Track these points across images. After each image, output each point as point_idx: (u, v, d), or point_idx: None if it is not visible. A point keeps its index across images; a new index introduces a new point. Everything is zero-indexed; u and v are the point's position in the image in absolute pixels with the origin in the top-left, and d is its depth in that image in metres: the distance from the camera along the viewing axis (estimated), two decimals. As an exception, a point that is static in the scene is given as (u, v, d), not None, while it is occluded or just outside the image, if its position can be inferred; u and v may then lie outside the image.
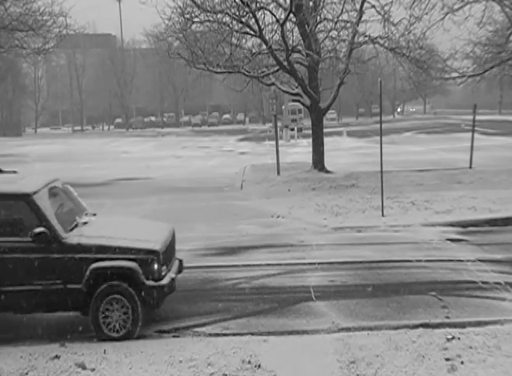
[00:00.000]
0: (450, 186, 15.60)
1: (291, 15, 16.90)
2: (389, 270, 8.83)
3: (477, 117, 19.46)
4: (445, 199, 13.62)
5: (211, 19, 16.86)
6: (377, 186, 13.50)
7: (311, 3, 18.06)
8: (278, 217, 12.94)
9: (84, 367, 5.74)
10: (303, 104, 19.29)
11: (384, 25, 17.44)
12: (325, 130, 20.14)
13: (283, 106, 42.89)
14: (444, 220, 11.84)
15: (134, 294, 6.48)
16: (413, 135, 41.16)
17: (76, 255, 6.46)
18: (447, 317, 6.88)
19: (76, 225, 6.92)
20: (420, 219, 11.94)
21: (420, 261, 9.17)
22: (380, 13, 17.37)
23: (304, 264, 9.29)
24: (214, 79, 30.17)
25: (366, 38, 17.95)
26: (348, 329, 6.59)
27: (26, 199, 6.57)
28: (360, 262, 9.30)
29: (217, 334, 6.63)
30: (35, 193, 6.67)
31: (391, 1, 17.26)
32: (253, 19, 16.23)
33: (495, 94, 66.27)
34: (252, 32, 16.77)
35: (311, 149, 19.56)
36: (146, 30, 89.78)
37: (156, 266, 6.57)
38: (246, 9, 15.92)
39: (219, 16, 16.58)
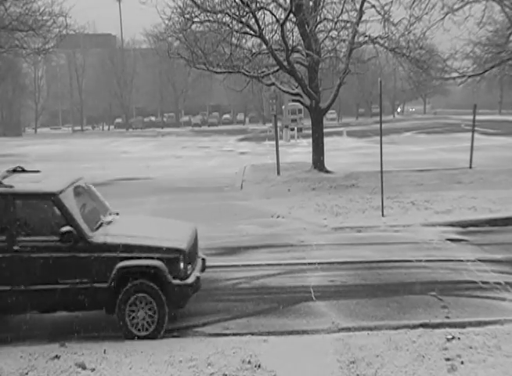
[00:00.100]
0: (450, 186, 15.60)
1: (291, 15, 16.90)
2: (389, 270, 8.83)
3: (477, 117, 19.45)
4: (445, 199, 13.62)
5: (211, 19, 16.86)
6: (377, 186, 13.50)
7: (311, 3, 18.06)
8: (278, 217, 12.94)
9: (84, 367, 5.75)
10: (303, 104, 19.28)
11: (384, 25, 17.45)
12: (325, 130, 20.14)
13: (283, 106, 42.88)
14: (444, 220, 11.85)
15: (160, 292, 6.49)
16: (413, 135, 41.14)
17: (102, 254, 6.49)
18: (447, 317, 6.88)
19: (101, 225, 6.94)
20: (420, 219, 11.94)
21: (420, 261, 9.17)
22: (380, 13, 17.38)
23: (304, 264, 9.29)
24: (214, 79, 30.20)
25: (366, 38, 17.95)
26: (348, 329, 6.60)
27: (52, 198, 6.59)
28: (360, 262, 9.30)
29: (217, 334, 6.64)
30: (61, 192, 6.68)
31: (391, 1, 17.27)
32: (253, 19, 16.23)
33: (495, 94, 66.25)
34: (252, 32, 16.77)
35: (311, 149, 19.56)
36: (146, 30, 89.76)
37: (182, 265, 6.60)
38: (246, 9, 15.92)
39: (219, 16, 16.58)
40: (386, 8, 17.26)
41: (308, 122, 28.27)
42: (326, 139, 20.15)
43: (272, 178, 18.12)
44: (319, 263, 9.26)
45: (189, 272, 6.74)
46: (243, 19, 16.24)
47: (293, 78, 18.49)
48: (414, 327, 6.50)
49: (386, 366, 5.50)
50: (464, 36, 20.13)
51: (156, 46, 46.70)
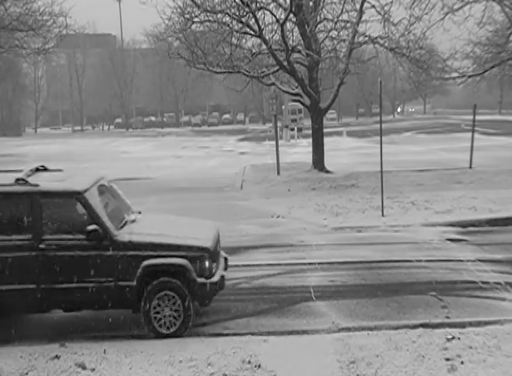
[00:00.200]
0: (450, 186, 15.60)
1: (291, 15, 16.91)
2: (389, 270, 8.83)
3: (477, 117, 19.46)
4: (445, 199, 13.62)
5: (211, 19, 16.86)
6: (377, 186, 13.50)
7: (311, 3, 18.06)
8: (278, 217, 12.94)
9: (84, 367, 5.75)
10: (303, 104, 19.29)
11: (384, 25, 17.46)
12: (325, 130, 20.14)
13: (283, 106, 42.88)
14: (444, 220, 11.85)
15: (185, 291, 6.50)
16: (413, 135, 41.14)
17: (128, 253, 6.50)
18: (447, 317, 6.89)
19: (125, 223, 6.96)
20: (420, 219, 11.94)
21: (420, 261, 9.18)
22: (380, 13, 17.38)
23: (304, 264, 9.29)
24: (214, 79, 30.17)
25: (366, 38, 17.96)
26: (348, 329, 6.60)
27: (78, 196, 6.61)
28: (360, 262, 9.30)
29: (217, 334, 6.63)
30: (86, 190, 6.69)
31: (391, 1, 17.27)
32: (253, 19, 16.23)
33: (495, 94, 66.25)
34: (252, 32, 16.77)
35: (311, 149, 19.56)
36: (146, 30, 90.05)
37: (207, 263, 6.61)
38: (246, 9, 15.92)
39: (219, 16, 16.58)
40: (386, 8, 17.29)
41: (308, 122, 28.28)
42: (326, 139, 20.15)
43: (272, 178, 18.12)
44: (319, 263, 9.26)
45: (213, 270, 6.76)
46: (243, 19, 16.24)
47: (293, 78, 18.49)
48: (414, 327, 6.50)
49: (386, 366, 5.50)
50: (464, 36, 20.15)
51: (156, 46, 46.72)
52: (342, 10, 17.84)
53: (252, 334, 6.56)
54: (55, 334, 6.76)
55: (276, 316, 7.19)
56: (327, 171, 18.82)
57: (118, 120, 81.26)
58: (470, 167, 18.60)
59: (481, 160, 19.84)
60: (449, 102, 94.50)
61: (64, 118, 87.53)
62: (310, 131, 20.27)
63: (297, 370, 5.57)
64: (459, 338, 6.03)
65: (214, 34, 17.49)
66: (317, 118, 18.96)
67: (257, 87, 25.86)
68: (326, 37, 18.75)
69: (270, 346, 6.11)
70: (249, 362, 5.69)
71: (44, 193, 6.61)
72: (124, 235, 6.62)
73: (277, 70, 18.45)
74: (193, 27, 17.48)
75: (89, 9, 60.89)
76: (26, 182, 6.66)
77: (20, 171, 7.11)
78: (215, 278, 6.74)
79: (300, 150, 29.99)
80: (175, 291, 6.51)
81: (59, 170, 7.77)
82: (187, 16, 16.84)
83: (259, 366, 5.62)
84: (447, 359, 5.56)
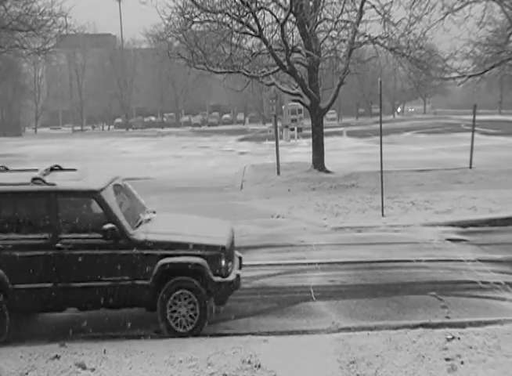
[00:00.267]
0: (450, 186, 15.60)
1: (291, 15, 16.90)
2: (389, 270, 8.84)
3: (477, 117, 19.46)
4: (445, 199, 13.62)
5: (211, 19, 16.86)
6: (377, 186, 13.50)
7: (311, 3, 18.06)
8: (278, 217, 12.94)
9: (84, 367, 5.75)
10: (303, 104, 19.28)
11: (384, 25, 17.47)
12: (325, 130, 20.14)
13: (283, 106, 42.88)
14: (444, 220, 11.85)
15: (201, 289, 6.51)
16: (413, 135, 41.15)
17: (144, 251, 6.51)
18: (447, 317, 6.89)
19: (141, 222, 6.97)
20: (420, 219, 11.94)
21: (420, 261, 9.18)
22: (380, 13, 17.39)
23: (304, 264, 9.29)
24: (214, 79, 30.17)
25: (366, 38, 17.96)
26: (348, 329, 6.60)
27: (94, 195, 6.63)
28: (360, 262, 9.30)
29: (217, 334, 6.63)
30: (103, 189, 6.71)
31: (391, 1, 17.28)
32: (253, 19, 16.23)
33: (495, 94, 66.24)
34: (252, 32, 16.77)
35: (311, 149, 19.56)
36: (146, 30, 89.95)
37: (223, 262, 6.62)
38: (246, 9, 15.92)
39: (219, 16, 16.58)
40: (386, 8, 17.30)
41: (308, 122, 28.27)
42: (326, 139, 20.15)
43: (272, 178, 18.12)
44: (319, 263, 9.26)
45: (229, 269, 6.78)
46: (243, 19, 16.24)
47: (293, 78, 18.49)
48: (414, 327, 6.51)
49: (386, 366, 5.50)
50: (464, 36, 20.18)
51: (157, 46, 46.75)
52: (342, 10, 17.85)
53: (252, 334, 6.56)
54: (55, 334, 6.76)
55: (276, 316, 7.19)
56: (327, 171, 18.82)
57: (118, 120, 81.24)
58: (470, 167, 18.60)
59: (481, 160, 19.85)
60: (449, 102, 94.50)
61: (64, 118, 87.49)
62: (310, 131, 20.27)
63: (297, 370, 5.57)
64: (459, 338, 6.03)
65: (214, 34, 17.48)
66: (317, 118, 18.97)
67: (257, 87, 25.91)
68: (326, 37, 18.75)
69: (270, 346, 6.11)
70: (249, 362, 5.69)
71: (61, 192, 6.64)
72: (140, 234, 6.63)
73: (277, 70, 18.45)
74: (193, 27, 17.50)
75: (89, 9, 60.89)
76: (43, 182, 6.68)
77: (35, 170, 7.13)
78: (231, 277, 6.75)
79: (300, 150, 29.99)
80: (192, 289, 6.52)
81: (74, 169, 7.77)
82: (187, 16, 16.84)
83: (259, 366, 5.62)
84: (447, 359, 5.56)
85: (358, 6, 17.65)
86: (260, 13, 16.78)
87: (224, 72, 18.48)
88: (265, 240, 11.00)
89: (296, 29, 18.25)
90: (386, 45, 18.00)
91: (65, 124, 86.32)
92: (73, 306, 6.73)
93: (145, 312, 6.88)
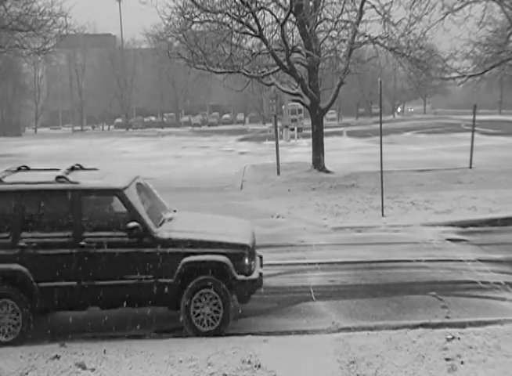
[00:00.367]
0: (450, 186, 15.60)
1: (291, 15, 16.90)
2: (389, 270, 8.84)
3: (477, 117, 19.46)
4: (445, 199, 13.62)
5: (211, 19, 16.86)
6: (377, 186, 13.50)
7: (311, 3, 18.06)
8: (278, 217, 12.94)
9: (84, 367, 5.75)
10: (303, 104, 19.28)
11: (384, 25, 17.48)
12: (325, 130, 20.14)
13: (283, 106, 42.85)
14: (444, 220, 11.85)
15: (225, 288, 6.50)
16: (413, 135, 41.14)
17: (167, 250, 6.50)
18: (447, 317, 6.89)
19: (163, 221, 6.97)
20: (420, 219, 11.94)
21: (420, 261, 9.18)
22: (380, 13, 17.39)
23: (304, 264, 9.29)
24: (214, 79, 30.14)
25: (366, 38, 17.96)
26: (348, 329, 6.60)
27: (118, 194, 6.63)
28: (360, 262, 9.31)
29: (217, 334, 6.62)
30: (126, 188, 6.72)
31: (391, 1, 17.29)
32: (253, 19, 16.24)
33: (495, 94, 66.22)
34: (252, 32, 16.78)
35: (311, 149, 19.56)
36: (146, 30, 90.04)
37: (246, 261, 6.63)
38: (247, 9, 15.93)
39: (219, 16, 16.58)
40: (386, 8, 17.32)
41: (308, 122, 28.27)
42: (326, 139, 20.15)
43: (272, 178, 18.12)
44: (319, 263, 9.26)
45: (252, 267, 6.77)
46: (243, 19, 16.25)
47: (293, 78, 18.49)
48: (414, 327, 6.51)
49: (386, 366, 5.50)
50: (464, 36, 20.17)
51: (156, 46, 46.69)
52: (342, 10, 17.85)
53: (252, 334, 6.56)
54: (55, 334, 6.75)
55: (276, 316, 7.19)
56: (327, 171, 18.82)
57: (118, 120, 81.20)
58: (470, 167, 18.60)
59: (481, 160, 19.84)
60: (449, 102, 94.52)
61: (64, 118, 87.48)
62: (310, 131, 20.27)
63: (297, 370, 5.57)
64: (459, 338, 6.02)
65: (214, 34, 17.49)
66: (317, 118, 18.97)
67: (257, 87, 25.87)
68: (326, 37, 18.75)
69: (270, 346, 6.11)
70: (249, 362, 5.69)
71: (85, 191, 6.65)
72: (163, 232, 6.63)
73: (277, 70, 18.45)
74: (193, 27, 17.51)
75: (89, 9, 60.81)
76: (67, 180, 6.68)
77: (57, 169, 7.14)
78: (254, 275, 6.75)
79: (300, 150, 29.98)
80: (215, 288, 6.51)
81: (95, 169, 7.78)
82: (187, 16, 16.85)
83: (259, 366, 5.62)
84: (447, 359, 5.56)
85: (358, 6, 17.66)
86: (260, 13, 16.81)
87: (224, 72, 18.48)
88: (265, 240, 10.96)
89: (296, 29, 18.25)
90: (386, 45, 18.01)
91: (65, 124, 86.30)
92: (96, 305, 6.70)
93: (145, 311, 6.88)
